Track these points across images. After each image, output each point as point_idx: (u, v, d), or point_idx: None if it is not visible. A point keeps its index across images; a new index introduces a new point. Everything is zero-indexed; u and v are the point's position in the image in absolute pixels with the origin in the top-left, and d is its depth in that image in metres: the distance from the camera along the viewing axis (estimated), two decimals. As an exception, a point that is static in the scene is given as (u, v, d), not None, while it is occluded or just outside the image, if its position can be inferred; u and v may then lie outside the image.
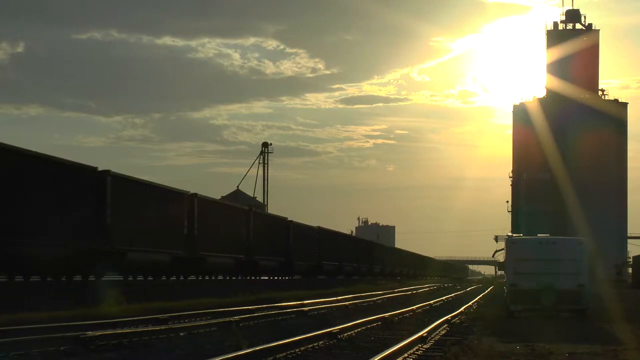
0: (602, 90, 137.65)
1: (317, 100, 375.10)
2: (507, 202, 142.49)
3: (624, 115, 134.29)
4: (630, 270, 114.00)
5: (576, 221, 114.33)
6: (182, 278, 40.96)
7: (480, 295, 56.96)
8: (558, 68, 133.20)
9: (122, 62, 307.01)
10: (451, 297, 54.25)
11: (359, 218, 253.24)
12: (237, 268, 47.62)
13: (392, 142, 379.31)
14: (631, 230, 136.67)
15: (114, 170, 32.75)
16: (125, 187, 33.75)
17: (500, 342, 20.27)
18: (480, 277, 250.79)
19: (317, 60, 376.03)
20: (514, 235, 39.69)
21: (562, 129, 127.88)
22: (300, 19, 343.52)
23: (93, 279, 32.24)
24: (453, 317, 27.88)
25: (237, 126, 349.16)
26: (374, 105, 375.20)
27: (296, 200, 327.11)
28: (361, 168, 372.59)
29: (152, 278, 38.28)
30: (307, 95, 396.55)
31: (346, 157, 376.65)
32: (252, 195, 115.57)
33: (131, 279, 36.67)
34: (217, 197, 79.17)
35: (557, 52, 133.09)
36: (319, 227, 67.46)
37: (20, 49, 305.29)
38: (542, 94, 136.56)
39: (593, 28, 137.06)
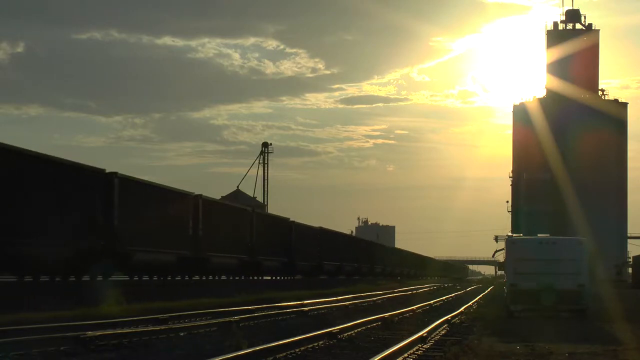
0: (602, 90, 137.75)
1: (317, 100, 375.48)
2: (507, 202, 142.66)
3: (624, 115, 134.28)
4: (630, 270, 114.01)
5: (576, 221, 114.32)
6: (187, 278, 41.38)
7: (480, 295, 56.96)
8: (558, 68, 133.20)
9: (122, 62, 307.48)
10: (451, 297, 54.26)
11: (359, 218, 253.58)
12: (240, 268, 48.01)
13: (392, 142, 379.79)
14: (631, 230, 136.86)
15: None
16: (132, 189, 34.29)
17: (500, 342, 20.27)
18: (480, 277, 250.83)
19: (317, 60, 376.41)
20: (514, 235, 39.69)
21: (562, 129, 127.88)
22: (300, 19, 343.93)
23: (101, 279, 32.61)
24: (453, 317, 27.89)
25: (237, 126, 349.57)
26: (374, 105, 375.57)
27: (296, 200, 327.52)
28: (361, 168, 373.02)
29: (156, 278, 38.68)
30: (307, 95, 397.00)
31: (346, 157, 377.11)
32: (252, 195, 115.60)
33: (137, 279, 37.13)
34: (217, 197, 79.17)
35: (557, 52, 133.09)
36: (320, 228, 67.73)
37: (20, 49, 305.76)
38: (542, 94, 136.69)
39: (593, 28, 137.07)
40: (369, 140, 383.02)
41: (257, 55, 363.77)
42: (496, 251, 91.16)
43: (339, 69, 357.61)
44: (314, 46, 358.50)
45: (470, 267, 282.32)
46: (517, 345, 19.45)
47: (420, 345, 18.23)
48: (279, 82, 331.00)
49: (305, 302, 35.85)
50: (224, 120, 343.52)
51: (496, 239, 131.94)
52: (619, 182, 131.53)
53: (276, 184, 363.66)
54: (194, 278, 42.23)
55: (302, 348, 17.05)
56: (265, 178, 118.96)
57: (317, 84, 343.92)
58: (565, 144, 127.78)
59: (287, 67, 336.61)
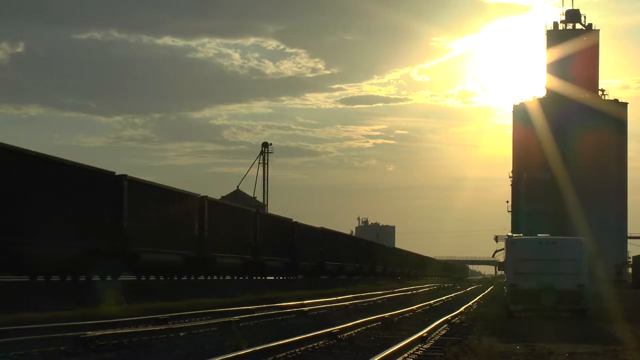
0: (602, 90, 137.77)
1: (317, 100, 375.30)
2: (507, 202, 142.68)
3: (624, 115, 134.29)
4: (630, 270, 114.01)
5: (576, 221, 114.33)
6: (192, 278, 41.98)
7: (480, 295, 56.97)
8: (558, 68, 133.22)
9: (122, 62, 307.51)
10: (451, 297, 54.26)
11: (359, 218, 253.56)
12: (244, 268, 48.48)
13: (392, 142, 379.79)
14: (631, 230, 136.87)
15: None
16: (140, 191, 34.99)
17: (500, 342, 20.27)
18: (480, 277, 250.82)
19: (317, 60, 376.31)
20: (514, 235, 39.68)
21: (562, 129, 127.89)
22: (300, 19, 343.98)
23: (110, 279, 33.10)
24: (453, 317, 27.88)
25: (237, 126, 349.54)
26: (374, 105, 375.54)
27: (296, 200, 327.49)
28: (361, 168, 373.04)
29: (162, 278, 39.25)
30: (307, 95, 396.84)
31: (346, 157, 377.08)
32: (252, 195, 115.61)
33: (144, 279, 37.77)
34: (217, 197, 79.18)
35: (557, 52, 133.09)
36: (322, 228, 68.16)
37: (20, 49, 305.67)
38: (542, 94, 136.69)
39: (593, 28, 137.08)
40: (369, 140, 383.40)
41: (257, 55, 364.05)
42: (496, 251, 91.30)
43: (339, 69, 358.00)
44: (314, 46, 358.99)
45: (470, 267, 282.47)
46: (517, 345, 19.45)
47: (420, 345, 18.23)
48: (279, 82, 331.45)
49: (305, 302, 35.87)
50: (224, 120, 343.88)
51: (496, 239, 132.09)
52: (619, 182, 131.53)
53: (276, 184, 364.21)
54: (199, 278, 42.85)
55: (302, 348, 17.04)
56: (265, 178, 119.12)
57: (317, 84, 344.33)
58: (565, 144, 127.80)
59: (287, 67, 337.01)
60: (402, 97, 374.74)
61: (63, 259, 29.62)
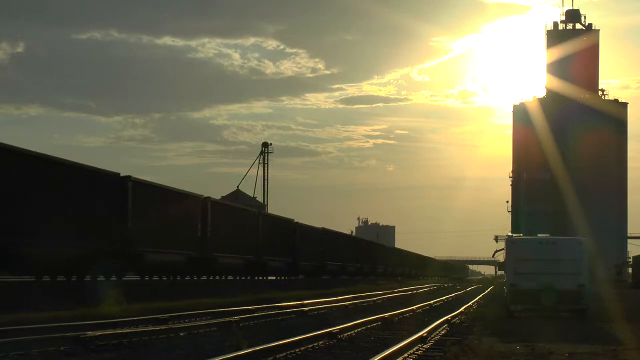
0: (602, 90, 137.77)
1: (317, 100, 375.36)
2: (507, 202, 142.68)
3: (624, 115, 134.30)
4: (630, 270, 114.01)
5: (576, 221, 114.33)
6: (195, 278, 42.22)
7: (480, 295, 56.96)
8: (558, 68, 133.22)
9: (122, 62, 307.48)
10: (451, 297, 54.26)
11: (359, 218, 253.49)
12: (247, 268, 48.70)
13: (392, 142, 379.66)
14: (631, 230, 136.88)
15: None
16: (144, 192, 35.31)
17: (500, 342, 20.27)
18: (480, 277, 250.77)
19: (317, 60, 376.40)
20: (514, 235, 39.69)
21: (562, 129, 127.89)
22: (300, 19, 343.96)
23: (114, 279, 33.34)
24: (453, 317, 27.88)
25: (237, 126, 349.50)
26: (374, 105, 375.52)
27: (296, 200, 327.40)
28: (361, 168, 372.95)
29: (165, 278, 39.48)
30: (307, 95, 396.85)
31: (346, 157, 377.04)
32: (252, 195, 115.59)
33: (147, 279, 38.01)
34: (217, 197, 79.16)
35: (557, 52, 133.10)
36: (323, 228, 68.37)
37: (20, 49, 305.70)
38: (542, 94, 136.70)
39: (593, 28, 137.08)
40: (369, 140, 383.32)
41: (257, 55, 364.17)
42: (496, 251, 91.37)
43: (339, 69, 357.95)
44: (314, 46, 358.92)
45: (470, 267, 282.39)
46: (517, 345, 19.45)
47: (420, 345, 18.23)
48: (279, 82, 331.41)
49: (305, 302, 35.88)
50: (224, 120, 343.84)
51: (496, 239, 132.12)
52: (619, 182, 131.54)
53: (276, 184, 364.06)
54: (201, 278, 43.05)
55: (302, 348, 17.04)
56: (265, 178, 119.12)
57: (317, 84, 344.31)
58: (565, 144, 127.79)
59: (287, 67, 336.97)
60: (402, 97, 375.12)
61: (70, 259, 29.85)
